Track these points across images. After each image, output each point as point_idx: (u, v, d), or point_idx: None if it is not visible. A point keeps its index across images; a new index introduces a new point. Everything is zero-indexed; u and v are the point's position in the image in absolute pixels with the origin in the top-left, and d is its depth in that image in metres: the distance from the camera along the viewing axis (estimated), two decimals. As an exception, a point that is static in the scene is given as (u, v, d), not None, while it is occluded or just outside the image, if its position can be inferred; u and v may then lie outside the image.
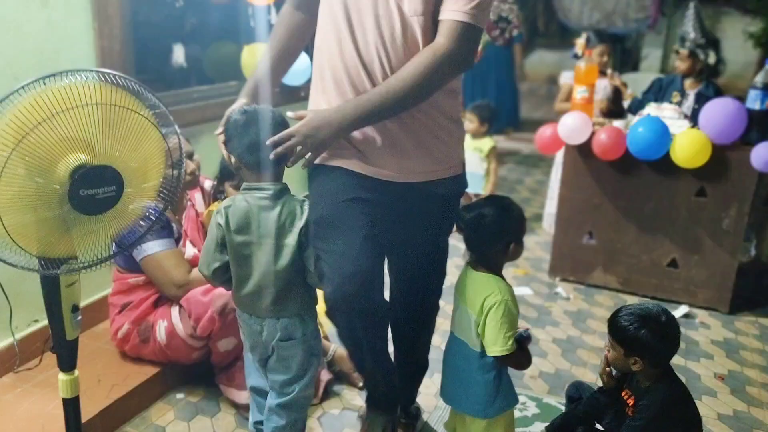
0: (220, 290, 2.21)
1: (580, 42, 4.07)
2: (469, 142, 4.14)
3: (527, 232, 4.36)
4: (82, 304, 2.60)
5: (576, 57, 4.11)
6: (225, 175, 2.51)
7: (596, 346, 3.02)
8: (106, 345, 2.53)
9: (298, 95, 3.87)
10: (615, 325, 1.89)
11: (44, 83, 1.44)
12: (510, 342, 1.78)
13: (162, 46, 3.11)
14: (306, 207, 1.79)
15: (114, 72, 1.60)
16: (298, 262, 1.77)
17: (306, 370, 1.90)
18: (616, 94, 4.00)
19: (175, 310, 2.25)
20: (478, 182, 4.15)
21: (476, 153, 4.12)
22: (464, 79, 6.80)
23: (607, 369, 1.97)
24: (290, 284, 1.79)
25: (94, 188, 1.51)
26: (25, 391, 2.26)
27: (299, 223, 1.75)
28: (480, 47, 6.91)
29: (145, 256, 2.19)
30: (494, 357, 1.81)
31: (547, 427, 2.18)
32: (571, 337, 3.11)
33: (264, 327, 1.84)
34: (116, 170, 1.55)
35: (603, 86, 4.00)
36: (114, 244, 1.87)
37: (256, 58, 3.22)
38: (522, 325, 1.93)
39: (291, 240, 1.75)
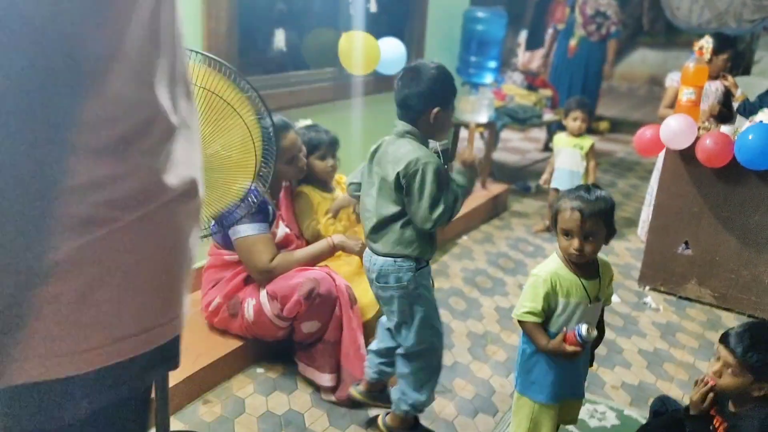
0: (308, 274, 2.26)
1: (704, 45, 3.79)
2: (566, 140, 4.01)
3: (617, 237, 4.26)
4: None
5: (695, 59, 3.84)
6: (309, 150, 2.57)
7: (685, 362, 2.87)
8: (196, 316, 2.63)
9: (391, 85, 3.89)
10: (746, 349, 1.70)
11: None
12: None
13: (264, 30, 3.18)
14: (415, 156, 1.86)
15: (210, 55, 1.65)
16: (395, 199, 1.92)
17: (411, 317, 2.01)
18: (727, 96, 3.78)
19: (263, 290, 2.31)
20: (577, 181, 4.01)
21: (576, 150, 3.97)
22: (552, 72, 6.64)
23: (705, 392, 1.78)
24: (385, 219, 1.95)
25: None
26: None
27: (399, 166, 1.86)
28: (574, 42, 6.75)
29: (238, 237, 2.26)
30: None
31: None
32: (658, 349, 2.97)
33: (368, 261, 2.03)
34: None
35: (714, 89, 3.78)
36: (213, 222, 1.95)
37: (353, 45, 3.25)
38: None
39: (389, 175, 1.90)
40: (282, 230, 2.39)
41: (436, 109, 1.91)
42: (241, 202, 2.18)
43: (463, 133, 4.72)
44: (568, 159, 3.99)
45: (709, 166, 3.15)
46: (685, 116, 3.20)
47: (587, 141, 3.97)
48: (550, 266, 1.83)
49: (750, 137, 2.96)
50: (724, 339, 1.77)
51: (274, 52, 3.20)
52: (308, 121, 2.69)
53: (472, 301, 3.30)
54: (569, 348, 1.76)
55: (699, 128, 3.20)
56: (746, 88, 4.32)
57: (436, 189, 1.85)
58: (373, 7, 3.40)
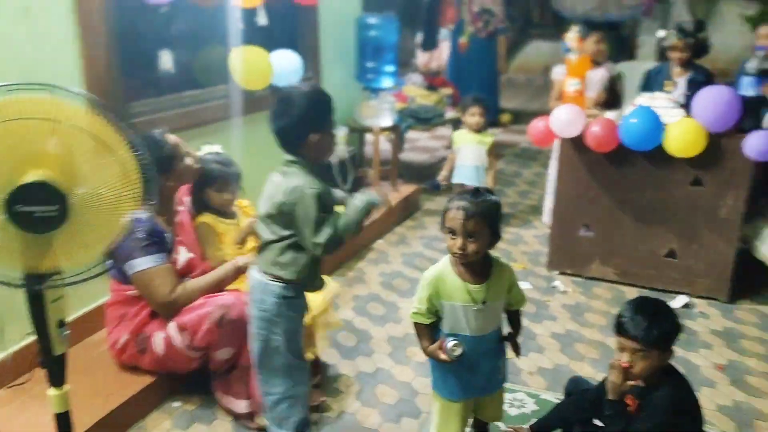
0: (217, 301, 2.21)
1: (570, 36, 4.02)
2: (470, 136, 4.06)
3: (525, 225, 4.41)
4: (77, 314, 2.63)
5: (568, 51, 4.07)
6: (206, 181, 2.49)
7: (595, 340, 3.00)
8: (102, 355, 2.52)
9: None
10: (646, 330, 1.74)
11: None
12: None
13: (149, 52, 3.09)
14: (294, 184, 1.87)
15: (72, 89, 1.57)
16: (281, 225, 1.91)
17: (266, 342, 2.00)
18: (612, 83, 3.96)
19: (172, 322, 2.24)
20: (481, 175, 4.10)
21: (480, 146, 4.04)
22: (449, 71, 6.79)
23: (622, 379, 1.80)
24: (269, 240, 1.94)
25: (33, 206, 1.47)
26: (22, 403, 2.26)
27: (282, 197, 1.87)
28: (464, 39, 6.92)
29: (134, 272, 2.18)
30: None
31: (534, 425, 2.09)
32: (569, 331, 3.09)
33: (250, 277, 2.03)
34: (55, 188, 1.49)
35: (599, 77, 3.95)
36: (107, 258, 1.86)
37: (243, 60, 3.21)
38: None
39: (275, 206, 1.90)
40: (184, 256, 2.32)
41: (313, 136, 1.88)
42: (129, 233, 2.10)
43: (369, 137, 4.75)
44: (472, 155, 4.06)
45: (599, 151, 3.30)
46: (572, 106, 3.35)
47: (489, 137, 4.06)
48: (437, 268, 1.87)
49: (632, 121, 3.14)
50: (620, 330, 1.79)
51: (162, 73, 3.10)
52: (215, 147, 2.57)
53: (390, 305, 3.32)
54: (441, 356, 1.83)
55: (586, 116, 3.35)
56: (632, 72, 4.57)
57: (316, 214, 1.85)
58: (262, 20, 3.36)
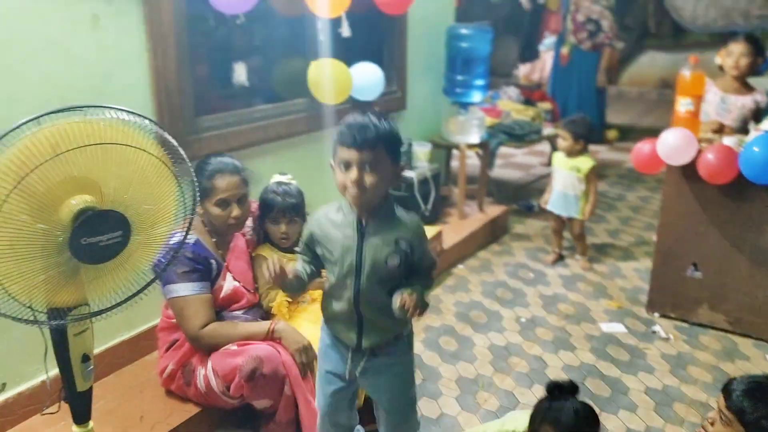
0: (251, 351, 2.05)
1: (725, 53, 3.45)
2: (563, 161, 3.76)
3: (624, 257, 4.00)
4: (133, 332, 2.57)
5: (721, 69, 3.46)
6: (264, 212, 2.35)
7: (697, 399, 2.60)
8: (155, 377, 2.43)
9: (371, 110, 3.69)
10: (738, 402, 1.58)
11: (39, 123, 1.31)
12: None
13: (223, 64, 3.01)
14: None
15: (128, 109, 1.45)
16: None
17: None
18: (757, 114, 3.38)
19: (209, 363, 2.12)
20: (573, 205, 3.76)
21: (572, 173, 3.71)
22: (551, 84, 6.39)
23: None
24: None
25: (97, 235, 1.38)
26: (68, 425, 2.19)
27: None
28: (566, 50, 6.52)
29: (170, 297, 2.09)
30: None
31: None
32: (667, 387, 2.70)
33: None
34: (122, 214, 1.41)
35: (744, 104, 3.39)
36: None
37: (322, 73, 3.07)
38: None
39: None
40: (230, 284, 2.19)
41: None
42: (174, 256, 2.00)
43: (456, 154, 4.50)
44: (562, 181, 3.74)
45: (714, 182, 2.89)
46: (683, 130, 2.95)
47: (586, 163, 3.69)
48: None
49: (755, 149, 2.71)
50: (725, 387, 1.66)
51: (236, 86, 3.01)
52: (284, 177, 2.43)
53: (464, 340, 3.06)
54: None
55: (700, 141, 2.95)
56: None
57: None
58: (346, 32, 3.21)
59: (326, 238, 1.62)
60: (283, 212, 2.31)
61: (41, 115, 1.32)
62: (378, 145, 1.51)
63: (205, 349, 2.12)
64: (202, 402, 2.24)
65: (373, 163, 1.51)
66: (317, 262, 1.71)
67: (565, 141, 3.71)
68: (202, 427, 2.31)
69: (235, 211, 2.14)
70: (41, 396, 2.24)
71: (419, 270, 1.66)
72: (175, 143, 1.51)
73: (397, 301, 1.56)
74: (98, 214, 1.37)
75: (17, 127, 1.31)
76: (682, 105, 3.02)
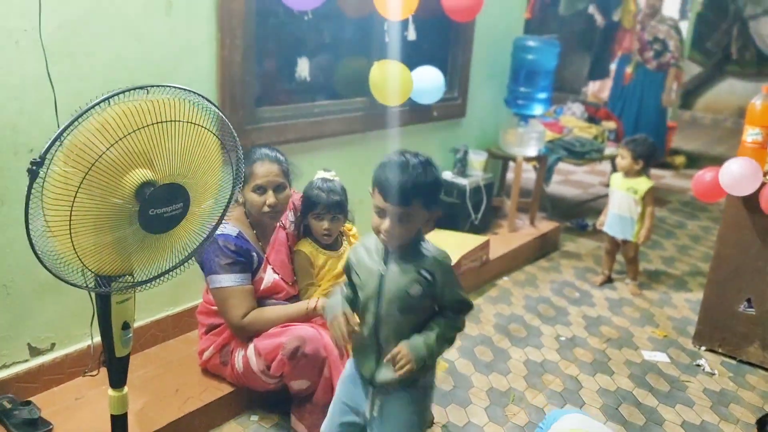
0: (294, 332, 2.10)
1: None
2: (621, 181, 3.68)
3: (677, 286, 3.88)
4: (181, 307, 2.67)
5: None
6: (307, 207, 2.37)
7: (737, 441, 2.51)
8: (192, 354, 2.52)
9: (430, 115, 3.72)
10: None
11: (109, 103, 1.39)
12: None
13: (287, 58, 3.08)
14: None
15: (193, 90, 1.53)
16: None
17: None
18: None
19: (251, 344, 2.18)
20: (629, 227, 3.67)
21: (629, 194, 3.63)
22: (610, 102, 6.23)
23: None
24: None
25: (162, 207, 1.47)
26: (100, 393, 2.29)
27: None
28: (630, 69, 6.35)
29: (213, 287, 2.15)
30: None
31: None
32: (706, 423, 2.61)
33: None
34: (184, 187, 1.50)
35: None
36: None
37: (383, 75, 3.10)
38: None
39: None
40: (270, 276, 2.24)
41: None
42: (215, 246, 2.09)
43: (511, 166, 4.47)
44: (618, 202, 3.66)
45: (776, 216, 2.78)
46: (748, 159, 2.85)
47: (643, 184, 3.61)
48: None
49: (824, 186, 2.59)
50: (759, 420, 1.55)
51: (297, 80, 3.09)
52: (329, 174, 2.45)
53: (500, 352, 3.04)
54: None
55: (765, 173, 2.84)
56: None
57: None
58: (411, 35, 3.24)
59: (358, 264, 1.65)
60: (327, 209, 2.32)
61: (114, 94, 1.39)
62: (414, 201, 1.50)
63: (248, 336, 2.19)
64: (236, 382, 2.31)
65: (406, 217, 1.51)
66: (355, 290, 1.73)
67: (624, 159, 3.63)
68: (233, 407, 2.38)
69: (270, 199, 2.17)
70: (86, 359, 2.36)
71: (445, 308, 1.65)
72: (230, 126, 1.58)
73: (395, 350, 1.56)
74: (164, 187, 1.46)
75: (99, 103, 1.38)
76: (750, 135, 2.92)
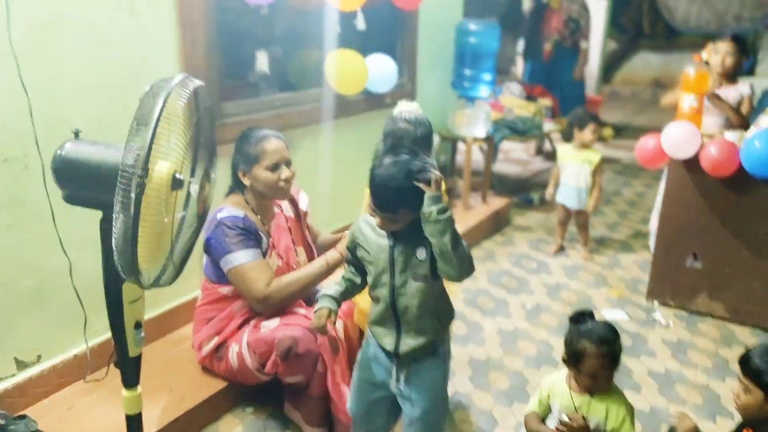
0: (287, 331, 2.12)
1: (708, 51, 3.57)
2: (575, 154, 3.84)
3: (623, 249, 4.13)
4: (161, 310, 2.65)
5: (707, 65, 3.50)
6: (395, 140, 2.18)
7: (699, 383, 2.72)
8: (181, 353, 2.53)
9: (382, 103, 3.79)
10: (753, 367, 1.64)
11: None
12: None
13: (246, 53, 3.09)
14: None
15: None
16: None
17: None
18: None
19: (245, 340, 2.19)
20: (585, 197, 3.86)
21: (585, 165, 3.80)
22: (535, 79, 6.49)
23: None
24: None
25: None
26: (100, 396, 2.28)
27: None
28: (549, 46, 6.65)
29: (231, 267, 2.11)
30: None
31: None
32: (669, 370, 2.83)
33: None
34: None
35: (734, 95, 3.48)
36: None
37: (339, 64, 3.15)
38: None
39: None
40: (274, 262, 2.24)
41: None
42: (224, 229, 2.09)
43: (461, 147, 4.62)
44: (575, 175, 3.83)
45: (715, 175, 3.02)
46: (687, 123, 3.08)
47: (596, 155, 3.80)
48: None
49: (756, 144, 2.83)
50: (741, 358, 1.70)
51: (257, 74, 3.09)
52: (412, 105, 2.29)
53: (473, 325, 3.17)
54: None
55: (702, 136, 3.07)
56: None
57: None
58: (361, 25, 3.29)
59: (364, 240, 1.71)
60: (415, 143, 2.05)
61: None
62: (400, 210, 1.57)
63: (277, 305, 2.15)
64: (229, 377, 2.32)
65: (395, 218, 1.59)
66: (360, 270, 1.79)
67: (594, 134, 3.78)
68: (228, 401, 2.40)
69: (285, 173, 2.19)
70: (74, 368, 2.32)
71: None
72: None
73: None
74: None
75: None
76: (686, 101, 3.14)
